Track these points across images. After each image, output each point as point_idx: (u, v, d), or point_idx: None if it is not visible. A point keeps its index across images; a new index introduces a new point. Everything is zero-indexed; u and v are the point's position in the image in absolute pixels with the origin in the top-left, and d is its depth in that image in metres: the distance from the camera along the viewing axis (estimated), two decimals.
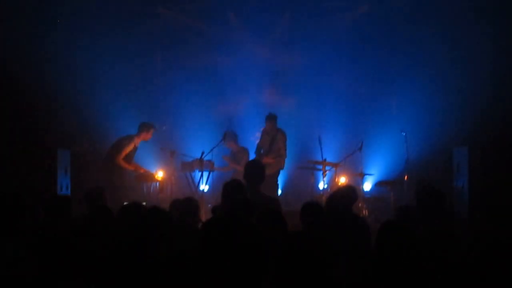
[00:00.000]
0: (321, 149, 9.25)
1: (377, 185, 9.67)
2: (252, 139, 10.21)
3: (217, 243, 2.47)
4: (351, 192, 5.57)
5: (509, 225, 6.20)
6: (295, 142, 10.27)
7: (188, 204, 5.13)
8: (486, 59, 9.22)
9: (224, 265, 2.42)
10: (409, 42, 10.20)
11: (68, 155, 8.34)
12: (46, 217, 4.83)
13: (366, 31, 10.51)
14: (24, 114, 8.90)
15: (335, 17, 10.85)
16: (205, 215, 6.81)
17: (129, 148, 9.03)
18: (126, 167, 9.06)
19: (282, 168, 9.49)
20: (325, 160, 9.16)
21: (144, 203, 7.37)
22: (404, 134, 9.33)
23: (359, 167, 9.43)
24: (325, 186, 9.16)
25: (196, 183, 9.28)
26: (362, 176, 9.45)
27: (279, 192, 9.54)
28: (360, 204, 8.71)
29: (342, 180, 9.26)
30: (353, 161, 9.52)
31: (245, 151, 9.85)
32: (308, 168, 9.59)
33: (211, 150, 9.21)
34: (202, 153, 9.00)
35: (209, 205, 8.59)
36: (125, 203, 5.64)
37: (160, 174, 9.25)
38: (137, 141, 9.15)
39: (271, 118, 9.51)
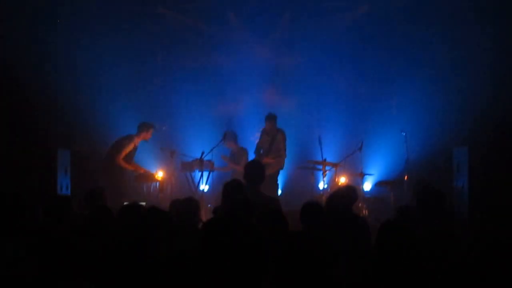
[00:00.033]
0: (321, 149, 9.25)
1: (377, 185, 9.67)
2: (252, 139, 10.20)
3: (217, 243, 2.47)
4: (351, 192, 5.57)
5: (509, 225, 6.20)
6: (295, 142, 10.27)
7: (188, 204, 5.13)
8: (486, 59, 9.22)
9: (224, 265, 2.42)
10: (409, 42, 10.20)
11: (68, 155, 8.34)
12: (46, 217, 4.82)
13: (366, 31, 10.51)
14: (24, 114, 8.90)
15: (335, 17, 10.84)
16: (205, 215, 6.81)
17: (129, 148, 9.03)
18: (126, 167, 9.06)
19: (282, 168, 9.49)
20: (325, 160, 9.16)
21: (144, 203, 7.39)
22: (404, 134, 9.33)
23: (359, 167, 9.43)
24: (325, 186, 9.16)
25: (196, 183, 9.28)
26: (362, 176, 9.45)
27: (279, 192, 9.54)
28: (360, 204, 8.71)
29: (342, 180, 9.25)
30: (353, 161, 9.52)
31: (244, 151, 9.85)
32: (308, 168, 9.59)
33: (211, 150, 9.22)
34: (202, 153, 9.00)
35: (209, 205, 8.61)
36: (125, 203, 5.64)
37: (160, 174, 9.25)
38: (137, 141, 9.15)
39: (271, 118, 9.51)
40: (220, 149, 9.73)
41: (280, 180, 9.77)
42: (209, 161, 9.31)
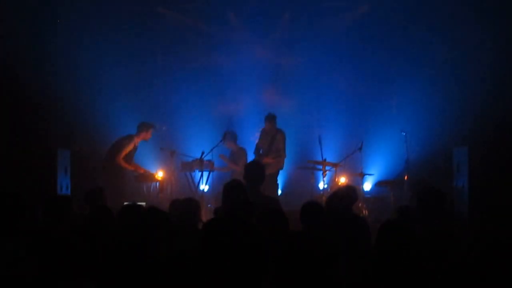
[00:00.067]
0: (321, 149, 9.25)
1: (377, 185, 9.67)
2: (252, 139, 10.20)
3: (217, 243, 2.47)
4: (351, 192, 5.58)
5: (509, 225, 6.20)
6: (295, 142, 10.27)
7: (188, 204, 5.13)
8: (486, 59, 9.22)
9: (224, 265, 2.42)
10: (409, 42, 10.21)
11: (68, 155, 8.34)
12: (46, 217, 4.82)
13: (366, 31, 10.51)
14: (24, 114, 8.90)
15: (335, 17, 10.84)
16: (205, 215, 6.81)
17: (129, 148, 9.03)
18: (126, 167, 9.06)
19: (281, 168, 9.49)
20: (325, 160, 9.16)
21: (144, 203, 7.40)
22: (404, 134, 9.33)
23: (359, 167, 9.43)
24: (325, 186, 9.16)
25: (196, 183, 9.28)
26: (362, 176, 9.45)
27: (279, 192, 9.54)
28: (360, 204, 8.70)
29: (342, 180, 9.25)
30: (353, 161, 9.53)
31: (243, 151, 9.86)
32: (308, 168, 9.59)
33: (211, 150, 9.23)
34: (202, 153, 9.00)
35: (209, 205, 8.62)
36: (125, 203, 5.64)
37: (160, 174, 9.25)
38: (137, 141, 9.15)
39: (271, 118, 9.51)
40: (220, 149, 9.73)
41: (280, 180, 9.77)
42: (209, 161, 9.31)
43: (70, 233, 4.07)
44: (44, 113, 9.19)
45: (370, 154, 10.00)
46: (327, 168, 9.17)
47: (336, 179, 9.22)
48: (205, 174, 9.17)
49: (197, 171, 9.31)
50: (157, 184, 9.23)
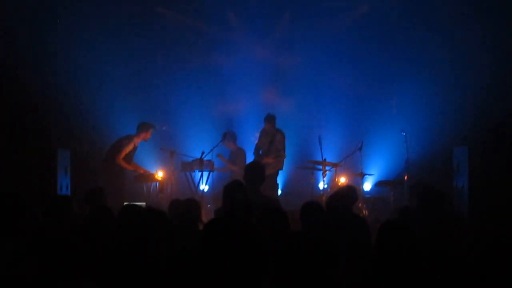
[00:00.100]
0: (321, 149, 9.25)
1: (377, 185, 9.67)
2: (252, 139, 10.21)
3: (217, 243, 2.47)
4: (351, 192, 5.58)
5: (509, 225, 6.20)
6: (295, 142, 10.27)
7: (188, 205, 5.13)
8: (486, 59, 9.22)
9: (224, 265, 2.42)
10: (409, 42, 10.21)
11: (68, 155, 8.34)
12: (46, 217, 4.82)
13: (366, 31, 10.52)
14: (24, 114, 8.90)
15: (335, 17, 10.85)
16: (205, 215, 6.82)
17: (128, 148, 9.03)
18: (126, 167, 9.06)
19: (281, 168, 9.50)
20: (325, 160, 9.16)
21: (143, 203, 7.40)
22: (404, 134, 9.33)
23: (359, 167, 9.43)
24: (325, 186, 9.16)
25: (196, 183, 9.28)
26: (362, 176, 9.45)
27: (279, 192, 9.55)
28: (360, 204, 8.71)
29: (342, 180, 9.25)
30: (353, 161, 9.53)
31: (242, 151, 9.89)
32: (308, 168, 9.59)
33: (211, 150, 9.23)
34: (202, 153, 9.01)
35: (209, 205, 8.62)
36: (125, 203, 5.65)
37: (160, 174, 9.25)
38: (137, 141, 9.15)
39: (270, 118, 9.52)
40: (220, 149, 9.74)
41: (280, 180, 9.77)
42: (209, 161, 9.31)
43: (70, 233, 4.07)
44: (44, 113, 9.19)
45: (370, 154, 10.01)
46: (327, 168, 9.17)
47: (336, 179, 9.22)
48: (205, 174, 9.17)
49: (197, 171, 9.31)
50: (157, 184, 9.23)
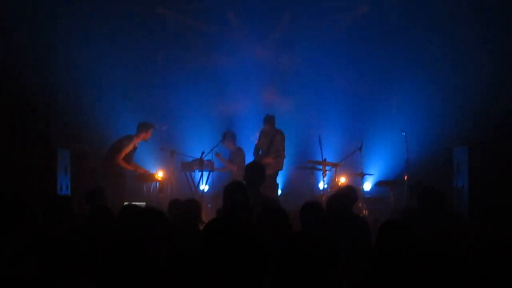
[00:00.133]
0: (321, 149, 9.24)
1: (377, 185, 9.66)
2: (252, 139, 10.21)
3: (217, 243, 2.47)
4: (351, 193, 5.59)
5: (509, 225, 6.20)
6: (295, 142, 10.27)
7: (189, 205, 5.14)
8: (486, 59, 9.22)
9: (224, 265, 2.42)
10: (409, 42, 10.21)
11: (68, 155, 8.34)
12: (46, 217, 4.82)
13: (366, 31, 10.51)
14: (24, 114, 8.90)
15: (335, 17, 10.85)
16: (205, 215, 6.82)
17: (128, 148, 9.03)
18: (126, 167, 9.06)
19: (281, 169, 9.50)
20: (325, 160, 9.15)
21: (143, 203, 7.40)
22: (404, 134, 9.32)
23: (359, 167, 9.42)
24: (325, 186, 9.15)
25: (196, 183, 9.28)
26: (362, 176, 9.44)
27: (279, 192, 9.54)
28: (360, 204, 8.70)
29: (342, 180, 9.25)
30: (353, 161, 9.52)
31: (241, 151, 9.90)
32: (308, 168, 9.59)
33: (211, 150, 9.23)
34: (202, 153, 9.00)
35: (209, 205, 8.62)
36: (125, 203, 5.65)
37: (160, 174, 9.25)
38: (137, 141, 9.14)
39: (269, 119, 9.53)
40: (220, 149, 9.74)
41: (280, 180, 9.77)
42: (209, 161, 9.31)
43: (70, 233, 4.07)
44: (44, 113, 9.19)
45: (370, 154, 10.00)
46: (327, 168, 9.16)
47: (336, 179, 9.22)
48: (205, 174, 9.17)
49: (197, 171, 9.31)
50: (157, 184, 9.23)
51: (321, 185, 9.29)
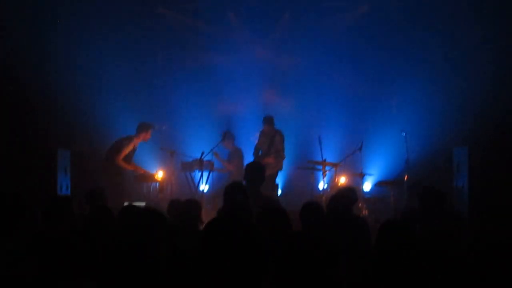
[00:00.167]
0: (321, 149, 9.25)
1: (377, 185, 9.66)
2: (252, 139, 10.21)
3: (217, 243, 2.47)
4: (351, 193, 5.59)
5: (509, 225, 6.21)
6: (295, 142, 10.27)
7: (189, 205, 5.14)
8: (486, 59, 9.22)
9: (224, 265, 2.42)
10: (409, 42, 10.20)
11: (68, 155, 8.34)
12: (46, 217, 4.82)
13: (366, 31, 10.51)
14: (24, 114, 8.90)
15: (335, 17, 10.84)
16: (205, 215, 6.82)
17: (128, 149, 9.04)
18: (126, 168, 9.07)
19: (280, 169, 9.51)
20: (325, 160, 9.15)
21: (143, 203, 7.40)
22: (404, 134, 9.32)
23: (359, 167, 9.42)
24: (325, 186, 9.15)
25: (196, 183, 9.28)
26: (362, 176, 9.44)
27: (279, 192, 9.54)
28: (360, 204, 8.70)
29: (342, 180, 9.25)
30: (353, 161, 9.52)
31: (239, 151, 9.92)
32: (308, 168, 9.59)
33: (211, 150, 9.24)
34: (202, 153, 9.00)
35: (209, 205, 8.61)
36: (125, 204, 5.65)
37: (160, 174, 9.25)
38: (137, 141, 9.15)
39: (268, 120, 9.54)
40: (220, 149, 9.74)
41: (280, 180, 9.77)
42: (209, 161, 9.32)
43: (70, 233, 4.07)
44: (44, 113, 9.19)
45: (370, 154, 9.99)
46: (327, 168, 9.16)
47: (336, 179, 9.21)
48: (205, 174, 9.18)
49: (197, 171, 9.31)
50: (157, 184, 9.23)
51: (321, 185, 9.29)
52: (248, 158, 9.71)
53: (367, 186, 9.93)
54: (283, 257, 2.54)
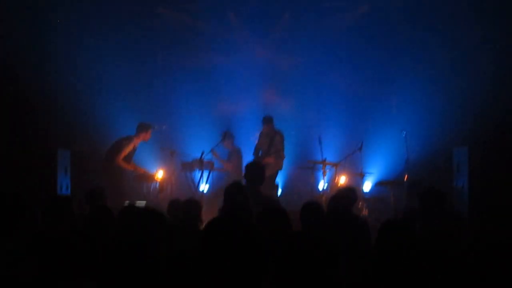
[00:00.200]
0: (321, 149, 9.25)
1: (377, 185, 9.67)
2: (252, 139, 10.22)
3: (217, 243, 2.47)
4: (351, 194, 5.59)
5: (509, 225, 6.21)
6: (295, 142, 10.28)
7: (188, 205, 5.14)
8: (486, 59, 9.22)
9: (224, 265, 2.42)
10: (409, 42, 10.21)
11: (68, 155, 8.34)
12: (46, 217, 4.82)
13: (366, 31, 10.50)
14: (24, 114, 8.90)
15: (335, 17, 10.84)
16: (205, 215, 6.82)
17: (128, 149, 9.04)
18: (126, 168, 9.07)
19: (280, 169, 9.52)
20: (325, 160, 9.16)
21: (143, 203, 7.40)
22: (404, 134, 9.32)
23: (359, 167, 9.42)
24: (325, 186, 9.15)
25: (196, 183, 9.28)
26: (362, 176, 9.45)
27: (279, 192, 9.54)
28: (360, 204, 8.71)
29: (342, 180, 9.25)
30: (353, 161, 9.52)
31: (238, 151, 9.92)
32: (308, 168, 9.59)
33: (211, 150, 9.23)
34: (202, 153, 9.01)
35: (209, 205, 8.61)
36: (125, 204, 5.65)
37: (160, 174, 9.25)
38: (137, 142, 9.16)
39: (268, 120, 9.55)
40: (220, 149, 9.75)
41: (280, 180, 9.77)
42: (209, 161, 9.32)
43: (70, 233, 4.06)
44: (44, 113, 9.19)
45: (370, 154, 9.99)
46: (327, 168, 9.16)
47: (336, 179, 9.22)
48: (205, 174, 9.18)
49: (197, 171, 9.31)
50: (157, 184, 9.23)
51: (321, 185, 9.29)
52: (247, 158, 9.71)
53: (367, 186, 9.93)
54: (283, 257, 2.54)
